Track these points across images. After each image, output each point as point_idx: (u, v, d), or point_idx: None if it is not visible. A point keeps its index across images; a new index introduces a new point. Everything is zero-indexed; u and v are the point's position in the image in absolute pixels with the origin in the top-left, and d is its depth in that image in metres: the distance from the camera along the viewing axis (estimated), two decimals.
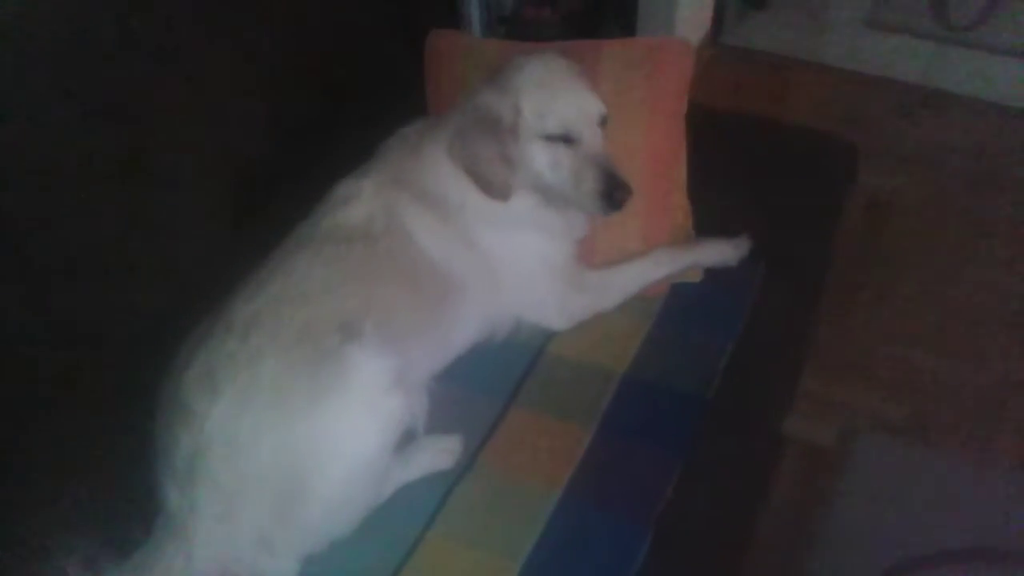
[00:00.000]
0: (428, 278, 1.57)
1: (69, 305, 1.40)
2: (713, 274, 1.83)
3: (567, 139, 1.55)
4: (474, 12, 2.45)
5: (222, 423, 1.31)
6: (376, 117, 1.76)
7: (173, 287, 1.54)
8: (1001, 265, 2.71)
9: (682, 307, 1.78)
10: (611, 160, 1.56)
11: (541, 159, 1.56)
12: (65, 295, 1.40)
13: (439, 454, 1.51)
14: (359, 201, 1.57)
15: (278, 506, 1.31)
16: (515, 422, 1.58)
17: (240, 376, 1.33)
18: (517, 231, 1.64)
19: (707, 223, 1.88)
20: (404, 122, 1.73)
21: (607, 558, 1.38)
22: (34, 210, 1.36)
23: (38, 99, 1.37)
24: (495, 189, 1.58)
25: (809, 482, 2.22)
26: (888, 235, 2.85)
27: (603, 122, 1.58)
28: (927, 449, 2.26)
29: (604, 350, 1.69)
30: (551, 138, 1.55)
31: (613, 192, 1.54)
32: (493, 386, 1.63)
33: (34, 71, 1.34)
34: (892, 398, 2.38)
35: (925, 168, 3.11)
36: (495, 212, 1.60)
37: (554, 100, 1.55)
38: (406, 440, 1.48)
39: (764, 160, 1.98)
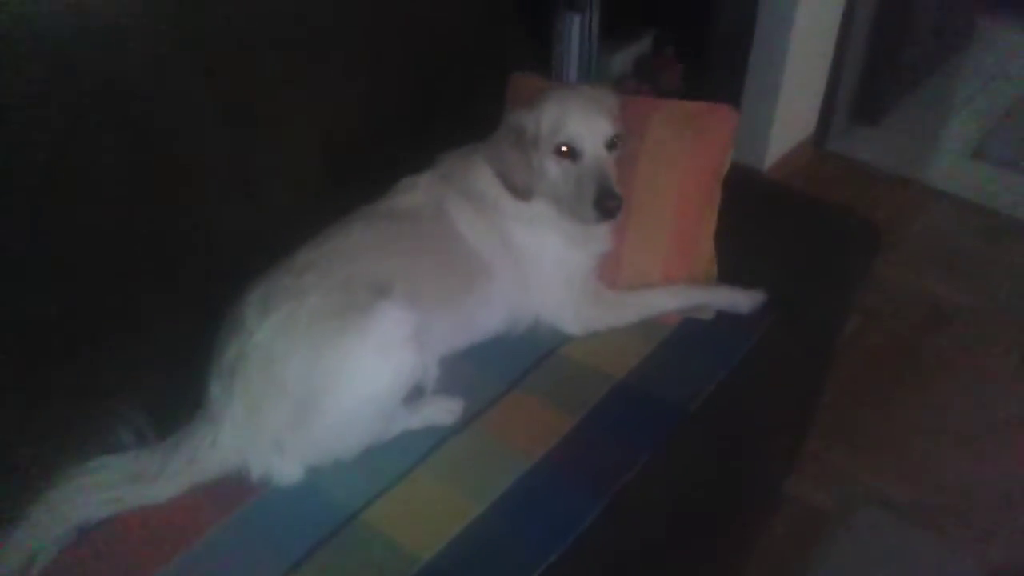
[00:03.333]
0: (461, 260, 1.84)
1: (177, 217, 1.74)
2: (724, 316, 2.01)
3: (574, 154, 1.81)
4: (571, 70, 2.74)
5: (265, 338, 1.60)
6: (457, 138, 2.04)
7: (259, 230, 1.84)
8: None
9: (689, 337, 1.97)
10: (609, 175, 1.80)
11: (553, 170, 1.83)
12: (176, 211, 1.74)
13: (441, 411, 1.74)
14: (414, 191, 1.88)
15: (294, 415, 1.58)
16: (513, 402, 1.80)
17: (287, 305, 1.62)
18: (540, 231, 1.89)
19: (730, 273, 2.08)
20: None
21: (559, 515, 1.57)
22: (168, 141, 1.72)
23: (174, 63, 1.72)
24: (518, 191, 1.85)
25: (800, 541, 2.33)
26: (943, 338, 2.95)
27: (612, 144, 1.83)
28: (924, 533, 2.33)
29: (608, 359, 1.90)
30: (561, 152, 1.81)
31: (604, 200, 1.77)
32: (503, 370, 1.86)
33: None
34: (903, 480, 2.47)
35: (993, 287, 3.20)
36: (522, 211, 1.87)
37: (566, 118, 1.81)
38: (416, 395, 1.73)
39: (792, 227, 2.17)
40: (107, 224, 1.65)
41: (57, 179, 1.57)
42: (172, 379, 1.70)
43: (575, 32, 2.66)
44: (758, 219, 2.17)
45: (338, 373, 1.58)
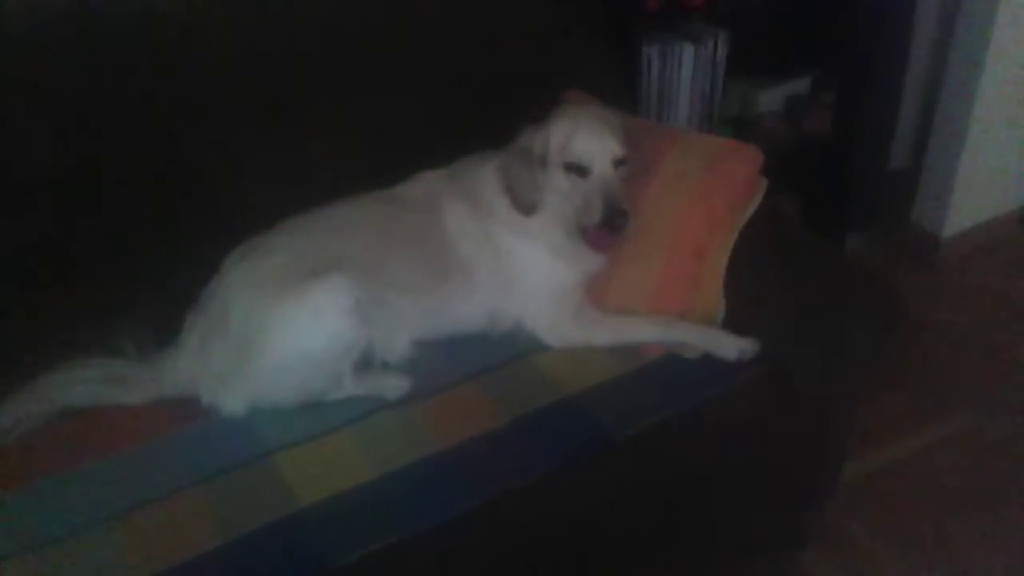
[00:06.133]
0: (440, 253, 1.97)
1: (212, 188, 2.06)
2: (710, 359, 1.96)
3: (582, 171, 1.87)
4: (682, 100, 2.73)
5: (230, 283, 1.84)
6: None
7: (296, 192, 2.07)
8: None
9: (662, 371, 1.95)
10: (617, 192, 1.85)
11: (561, 184, 1.90)
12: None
13: (388, 386, 1.88)
14: (418, 183, 2.04)
15: (236, 353, 1.79)
16: (460, 393, 1.89)
17: (256, 258, 1.85)
18: (529, 242, 1.97)
19: (740, 321, 2.02)
20: None
21: (435, 500, 1.66)
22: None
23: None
24: (523, 205, 1.93)
25: None
26: None
27: (618, 164, 1.88)
28: None
29: (570, 373, 1.93)
30: (570, 167, 1.87)
31: (612, 217, 1.82)
32: (468, 363, 1.96)
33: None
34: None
35: None
36: (515, 220, 1.96)
37: (575, 135, 1.87)
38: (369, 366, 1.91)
39: (819, 289, 2.02)
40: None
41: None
42: (178, 307, 1.96)
43: (687, 63, 2.64)
44: (789, 272, 2.07)
45: (272, 325, 1.77)
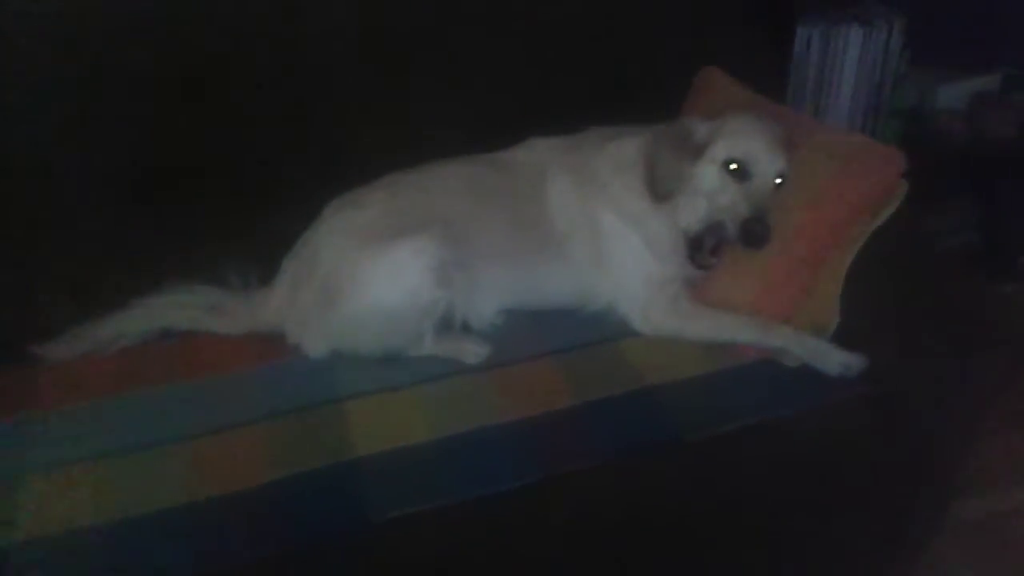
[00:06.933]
0: (536, 223, 1.92)
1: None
2: (810, 371, 1.83)
3: (742, 174, 1.77)
4: (844, 89, 2.52)
5: (323, 231, 1.88)
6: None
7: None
8: None
9: (753, 375, 1.84)
10: (768, 204, 1.76)
11: (710, 180, 1.81)
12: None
13: (467, 350, 1.87)
14: (527, 150, 1.99)
15: (320, 298, 1.82)
16: (539, 367, 1.85)
17: (351, 210, 1.88)
18: (636, 229, 1.90)
19: (852, 332, 1.87)
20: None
21: (488, 470, 1.64)
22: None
23: None
24: (659, 189, 1.85)
25: None
26: None
27: (780, 182, 1.79)
28: None
29: (656, 364, 1.85)
30: (729, 167, 1.78)
31: (752, 223, 1.72)
32: (554, 338, 1.92)
33: None
34: None
35: None
36: (627, 204, 1.89)
37: (751, 138, 1.79)
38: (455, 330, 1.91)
39: (947, 311, 1.85)
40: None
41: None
42: (286, 248, 2.01)
43: (854, 48, 2.44)
44: (915, 289, 1.90)
45: (354, 276, 1.79)
